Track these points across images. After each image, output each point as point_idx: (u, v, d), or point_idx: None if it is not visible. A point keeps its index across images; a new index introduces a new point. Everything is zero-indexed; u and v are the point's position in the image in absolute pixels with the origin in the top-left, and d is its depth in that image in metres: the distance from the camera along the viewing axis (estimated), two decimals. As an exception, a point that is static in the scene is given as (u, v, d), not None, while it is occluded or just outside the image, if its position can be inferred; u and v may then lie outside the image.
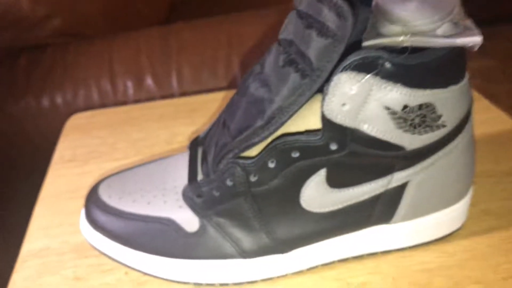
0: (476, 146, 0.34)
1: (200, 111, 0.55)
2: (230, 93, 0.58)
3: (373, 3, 0.28)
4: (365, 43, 0.27)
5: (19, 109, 0.73)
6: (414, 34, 0.27)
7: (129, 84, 0.74)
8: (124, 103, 0.73)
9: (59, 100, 0.74)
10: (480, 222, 0.37)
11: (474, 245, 0.35)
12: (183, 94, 0.73)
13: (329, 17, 0.26)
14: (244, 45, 0.75)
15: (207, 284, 0.34)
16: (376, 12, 0.28)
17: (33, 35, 0.83)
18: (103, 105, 0.73)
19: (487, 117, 0.49)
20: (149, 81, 0.74)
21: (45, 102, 0.74)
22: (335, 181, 0.31)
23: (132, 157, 0.47)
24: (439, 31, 0.27)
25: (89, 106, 0.73)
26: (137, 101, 0.73)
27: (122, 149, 0.49)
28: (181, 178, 0.34)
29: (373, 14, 0.29)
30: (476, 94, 0.53)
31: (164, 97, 0.73)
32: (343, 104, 0.27)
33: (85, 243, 0.37)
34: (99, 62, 0.76)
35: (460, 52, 0.29)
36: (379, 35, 0.28)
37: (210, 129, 0.36)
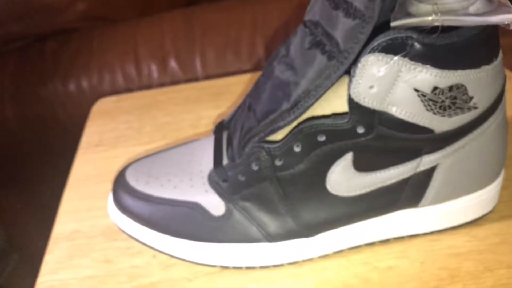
0: (509, 127, 0.33)
1: (225, 94, 0.55)
2: (255, 75, 0.58)
3: (402, -19, 0.27)
4: (394, 23, 0.26)
5: (47, 92, 0.75)
6: (445, 12, 0.26)
7: (154, 67, 0.74)
8: (148, 87, 0.73)
9: (85, 84, 0.75)
10: (512, 205, 0.36)
11: (505, 229, 0.34)
12: (207, 76, 0.73)
13: (356, -3, 0.26)
14: (269, 25, 0.74)
15: (234, 267, 0.34)
16: (405, -10, 0.27)
17: (59, 20, 0.83)
18: (128, 89, 0.74)
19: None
20: (173, 64, 0.74)
21: (72, 86, 0.75)
22: (362, 165, 0.30)
23: (158, 141, 0.48)
24: (472, 9, 0.26)
25: (114, 90, 0.74)
26: (161, 84, 0.73)
27: (148, 133, 0.49)
28: (207, 162, 0.34)
29: (402, -7, 0.28)
30: (508, 73, 0.51)
31: (188, 80, 0.73)
32: (371, 87, 0.27)
33: (114, 227, 0.38)
34: (124, 46, 0.76)
35: (494, 30, 0.28)
36: (408, 14, 0.27)
37: (235, 113, 0.36)
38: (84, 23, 0.83)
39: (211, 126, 0.50)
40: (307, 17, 0.30)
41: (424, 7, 0.26)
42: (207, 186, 0.33)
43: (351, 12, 0.26)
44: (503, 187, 0.36)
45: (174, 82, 0.74)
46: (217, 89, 0.57)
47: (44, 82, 0.75)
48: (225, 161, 0.34)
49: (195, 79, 0.73)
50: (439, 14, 0.25)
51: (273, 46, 0.72)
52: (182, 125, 0.50)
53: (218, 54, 0.74)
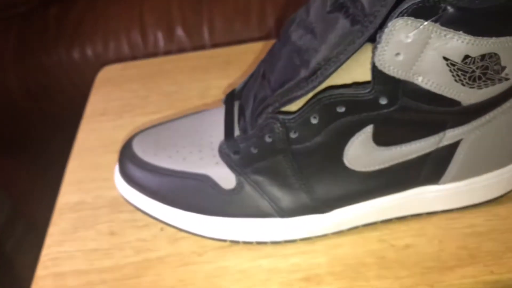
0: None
1: (234, 63, 0.53)
2: (267, 44, 0.56)
3: None
4: (424, -15, 0.24)
5: (51, 60, 0.73)
6: (481, -27, 0.23)
7: (160, 35, 0.72)
8: (154, 55, 0.72)
9: (89, 52, 0.73)
10: (536, 183, 0.34)
11: (528, 208, 0.33)
12: (215, 45, 0.71)
13: (384, -45, 0.23)
14: (279, -7, 0.72)
15: (244, 242, 0.33)
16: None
17: (64, -16, 0.81)
18: (133, 57, 0.72)
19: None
20: (180, 32, 0.72)
21: (76, 54, 0.73)
22: (382, 139, 0.29)
23: (165, 111, 0.46)
24: (510, -30, 0.24)
25: (119, 58, 0.72)
26: (167, 53, 0.72)
27: (155, 102, 0.48)
28: (217, 133, 0.33)
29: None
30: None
31: (195, 48, 0.71)
32: (397, 54, 0.25)
33: (119, 198, 0.37)
34: (129, 13, 0.74)
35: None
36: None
37: (247, 82, 0.34)
38: (89, -12, 0.81)
39: (220, 96, 0.48)
40: (329, -23, 0.27)
41: (458, -33, 0.24)
42: (217, 158, 0.32)
43: (378, -29, 0.24)
44: (527, 165, 0.34)
45: (181, 50, 0.72)
46: (226, 58, 0.54)
47: (48, 50, 0.73)
48: (236, 132, 0.32)
49: (202, 47, 0.71)
50: (475, -26, 0.23)
51: (284, 13, 0.70)
52: (190, 95, 0.49)
53: (226, 22, 0.71)
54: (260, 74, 0.31)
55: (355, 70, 0.27)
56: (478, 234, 0.32)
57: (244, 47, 0.56)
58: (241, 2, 0.72)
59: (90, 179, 0.40)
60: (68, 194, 0.39)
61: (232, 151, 0.31)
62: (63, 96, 0.74)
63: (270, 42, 0.56)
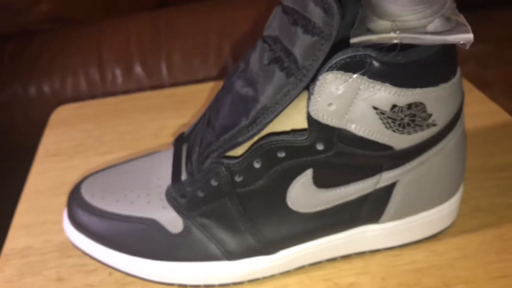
0: (467, 140, 0.34)
1: (190, 102, 0.54)
2: (220, 84, 0.57)
3: (362, -3, 0.26)
4: (353, 40, 0.26)
5: (7, 96, 0.72)
6: (404, 30, 0.25)
7: (118, 72, 0.73)
8: (112, 92, 0.72)
9: (46, 88, 0.72)
10: (471, 219, 0.36)
11: (465, 244, 0.34)
12: (173, 83, 0.72)
13: (315, 13, 0.25)
14: (236, 30, 0.74)
15: (192, 286, 0.33)
16: (365, 6, 0.27)
17: (20, 20, 0.81)
18: (91, 94, 0.72)
19: (480, 110, 0.48)
20: (138, 69, 0.73)
21: (32, 90, 0.72)
22: (322, 181, 0.30)
23: (118, 151, 0.46)
24: (430, 27, 0.26)
25: (77, 95, 0.72)
26: (126, 90, 0.72)
27: (108, 143, 0.48)
28: (166, 176, 0.33)
29: (362, 8, 0.28)
30: (468, 85, 0.52)
31: (153, 86, 0.72)
32: (330, 104, 0.26)
33: (68, 243, 0.36)
34: (87, 50, 0.74)
35: (452, 49, 0.28)
36: (368, 30, 0.27)
37: (195, 126, 0.35)
38: (47, 25, 0.81)
39: (174, 136, 0.49)
40: (266, 32, 0.29)
41: (384, 23, 0.26)
42: (165, 202, 0.32)
43: (309, 28, 0.25)
44: (462, 201, 0.36)
45: (139, 87, 0.72)
46: (182, 97, 0.55)
47: (4, 86, 0.72)
48: (183, 176, 0.33)
49: (161, 85, 0.71)
50: (398, 31, 0.25)
51: (241, 51, 0.71)
52: (144, 134, 0.49)
53: (185, 59, 0.72)
54: (206, 119, 0.32)
55: (295, 117, 0.28)
56: (418, 270, 0.33)
57: (200, 86, 0.58)
58: (200, 39, 0.73)
59: (39, 222, 0.39)
60: (16, 239, 0.38)
61: (179, 195, 0.32)
62: (18, 134, 0.73)
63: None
